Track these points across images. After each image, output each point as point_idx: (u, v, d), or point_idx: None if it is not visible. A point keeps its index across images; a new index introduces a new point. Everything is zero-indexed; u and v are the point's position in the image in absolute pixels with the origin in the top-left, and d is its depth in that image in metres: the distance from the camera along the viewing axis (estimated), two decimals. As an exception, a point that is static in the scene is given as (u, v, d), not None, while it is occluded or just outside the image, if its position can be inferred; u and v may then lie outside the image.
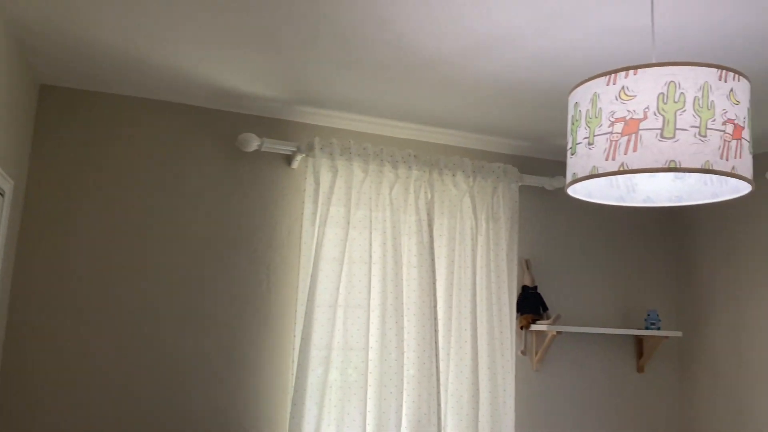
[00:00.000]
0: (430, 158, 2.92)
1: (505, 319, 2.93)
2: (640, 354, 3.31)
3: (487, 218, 3.00)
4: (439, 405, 2.71)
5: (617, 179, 1.71)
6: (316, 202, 2.73)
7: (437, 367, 2.74)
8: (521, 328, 3.10)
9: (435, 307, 2.80)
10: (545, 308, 3.12)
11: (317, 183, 2.74)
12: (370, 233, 2.77)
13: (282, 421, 2.69)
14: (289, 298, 2.78)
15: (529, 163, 3.28)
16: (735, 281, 3.12)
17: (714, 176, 1.60)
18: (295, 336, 2.69)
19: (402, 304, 2.75)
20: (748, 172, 1.40)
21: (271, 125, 2.86)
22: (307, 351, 2.59)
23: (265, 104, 2.78)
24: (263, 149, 2.74)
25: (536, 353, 3.10)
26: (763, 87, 2.35)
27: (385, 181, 2.84)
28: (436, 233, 2.94)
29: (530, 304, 3.10)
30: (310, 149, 2.74)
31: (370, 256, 2.75)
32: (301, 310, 2.68)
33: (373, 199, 2.81)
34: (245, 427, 2.64)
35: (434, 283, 2.82)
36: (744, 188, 1.50)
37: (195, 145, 2.73)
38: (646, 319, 3.20)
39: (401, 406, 2.68)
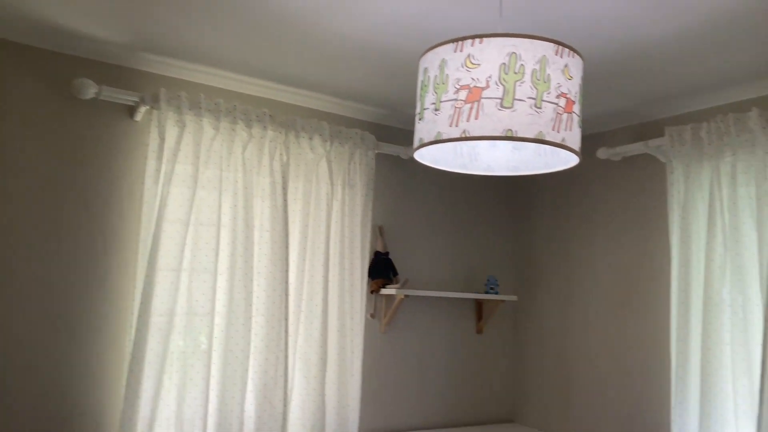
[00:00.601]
0: (287, 119, 2.84)
1: (356, 284, 2.97)
2: (479, 316, 3.52)
3: (343, 184, 2.99)
4: (286, 368, 2.70)
5: (461, 148, 1.77)
6: (160, 158, 2.56)
7: (286, 331, 2.72)
8: (371, 292, 3.16)
9: (287, 271, 2.76)
10: (395, 273, 3.20)
11: (162, 138, 2.56)
12: (220, 194, 2.66)
13: (119, 389, 2.54)
14: (128, 260, 2.60)
15: (386, 131, 3.32)
16: (564, 250, 3.40)
17: (547, 148, 1.71)
18: (134, 301, 2.52)
19: (252, 268, 2.68)
20: (576, 145, 1.50)
21: (112, 72, 2.62)
22: (146, 316, 2.45)
23: (106, 48, 2.54)
24: (102, 98, 2.50)
25: (384, 316, 3.19)
26: (598, 68, 2.54)
27: (237, 140, 2.73)
28: (290, 197, 2.89)
29: (381, 269, 3.16)
30: (155, 101, 2.55)
31: (219, 219, 2.64)
32: (141, 273, 2.52)
33: (224, 158, 2.69)
34: (77, 397, 2.45)
35: (287, 248, 2.77)
36: (572, 160, 1.61)
37: (22, 87, 2.43)
38: (486, 284, 3.40)
39: (247, 370, 2.63)
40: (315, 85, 2.88)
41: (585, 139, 3.37)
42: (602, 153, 3.07)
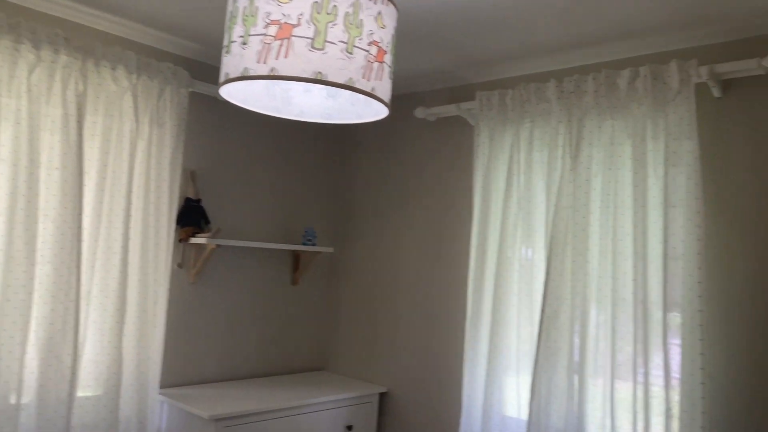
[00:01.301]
0: (85, 44, 2.52)
1: (162, 231, 2.78)
2: (296, 268, 3.51)
3: (150, 122, 2.75)
4: (77, 320, 2.47)
5: (274, 89, 1.69)
6: None
7: (78, 280, 2.47)
8: (180, 240, 2.99)
9: (80, 214, 2.50)
10: (207, 221, 3.06)
11: None
12: (-2, 123, 2.30)
13: None
14: None
15: (203, 68, 3.10)
16: (380, 205, 3.49)
17: (360, 97, 1.69)
18: None
19: (37, 209, 2.38)
20: (386, 96, 1.50)
21: None
22: None
23: None
24: None
25: (194, 266, 3.04)
26: (418, 26, 2.57)
27: (22, 62, 2.37)
28: (87, 132, 2.60)
29: (192, 217, 3.00)
30: None
31: (-3, 151, 2.30)
32: None
33: (3, 82, 2.33)
34: None
35: (81, 188, 2.50)
36: (383, 111, 1.62)
37: None
38: (303, 236, 3.39)
39: (29, 322, 2.36)
40: (121, 9, 2.59)
41: (405, 97, 3.45)
42: (419, 112, 3.16)
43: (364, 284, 3.52)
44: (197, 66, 3.07)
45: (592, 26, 2.42)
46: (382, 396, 3.33)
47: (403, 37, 2.67)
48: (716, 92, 2.34)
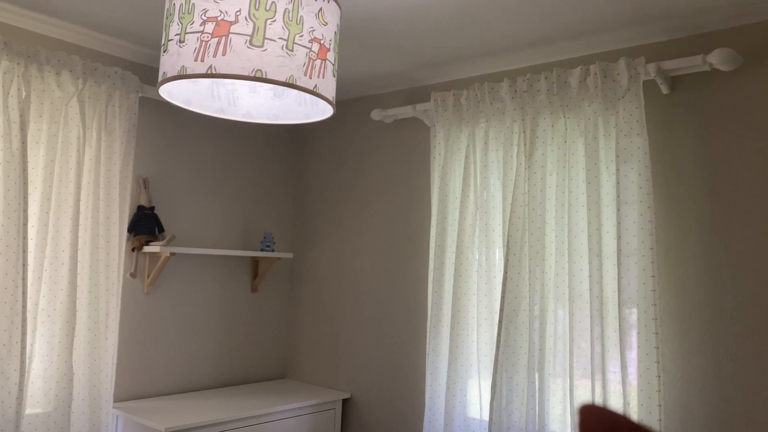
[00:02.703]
0: (27, 49, 2.44)
1: (113, 240, 2.70)
2: (255, 274, 3.45)
3: (99, 128, 2.68)
4: (23, 335, 2.37)
5: (218, 90, 1.65)
6: None
7: (24, 293, 2.38)
8: (132, 249, 2.92)
9: (25, 225, 2.41)
10: (161, 229, 2.99)
11: None
12: (-67, 131, 2.21)
13: None
14: None
15: (153, 73, 3.04)
16: (339, 207, 3.47)
17: (307, 97, 1.67)
18: None
19: (-22, 219, 2.29)
20: (330, 94, 1.48)
21: None
22: None
23: None
24: None
25: (148, 276, 2.96)
26: (372, 29, 2.56)
27: (-42, 67, 2.28)
28: (31, 140, 2.51)
29: (145, 225, 2.92)
30: None
31: (-68, 160, 2.20)
32: None
33: (-61, 88, 2.24)
34: None
35: (25, 198, 2.41)
36: (328, 110, 1.59)
37: None
38: (262, 242, 3.34)
39: (-30, 339, 2.26)
40: (66, 12, 2.51)
41: (361, 100, 3.44)
42: (375, 114, 3.15)
43: (325, 289, 3.48)
44: (147, 71, 3.00)
45: (542, 25, 2.44)
46: (345, 402, 3.30)
47: (356, 39, 2.66)
48: (664, 89, 2.38)
